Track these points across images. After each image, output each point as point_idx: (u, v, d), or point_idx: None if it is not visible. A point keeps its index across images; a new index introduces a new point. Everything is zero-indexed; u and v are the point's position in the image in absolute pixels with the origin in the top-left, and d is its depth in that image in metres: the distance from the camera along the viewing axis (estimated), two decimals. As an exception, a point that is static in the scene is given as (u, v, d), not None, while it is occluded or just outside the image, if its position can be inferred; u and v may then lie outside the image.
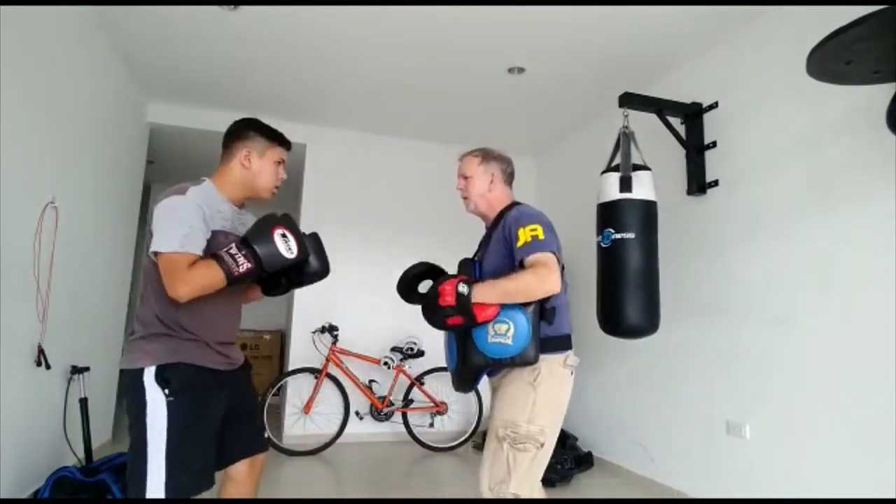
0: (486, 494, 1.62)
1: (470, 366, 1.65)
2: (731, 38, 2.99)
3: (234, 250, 1.42)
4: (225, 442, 1.60)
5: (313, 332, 4.19)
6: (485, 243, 1.83)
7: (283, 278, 1.69)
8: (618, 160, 2.71)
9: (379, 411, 4.20)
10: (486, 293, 1.55)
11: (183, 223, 1.43)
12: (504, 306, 1.55)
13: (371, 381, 4.30)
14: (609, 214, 2.63)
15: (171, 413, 1.42)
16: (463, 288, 1.54)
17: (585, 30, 3.03)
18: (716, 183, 3.03)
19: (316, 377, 4.07)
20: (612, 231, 2.58)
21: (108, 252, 3.64)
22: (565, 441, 3.69)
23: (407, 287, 1.87)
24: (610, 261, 2.61)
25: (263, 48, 3.36)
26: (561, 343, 1.68)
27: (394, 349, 4.29)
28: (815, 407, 2.41)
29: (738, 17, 2.84)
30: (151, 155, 4.55)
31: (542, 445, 1.59)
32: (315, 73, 3.68)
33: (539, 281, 1.53)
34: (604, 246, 2.62)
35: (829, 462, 2.33)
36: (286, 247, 1.47)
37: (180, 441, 1.42)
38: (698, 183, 3.09)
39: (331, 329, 4.17)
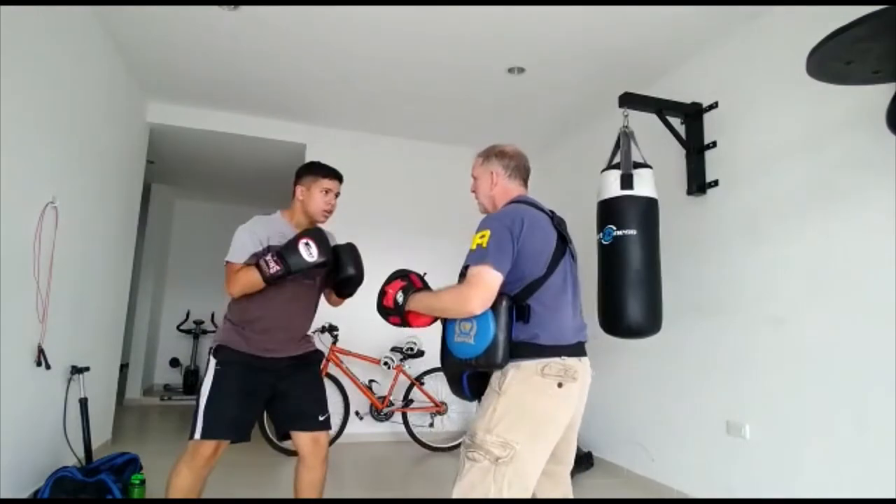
0: None
1: (445, 366, 1.61)
2: (731, 38, 2.99)
3: (268, 257, 1.88)
4: (277, 417, 2.12)
5: (313, 332, 4.17)
6: None
7: (335, 278, 2.12)
8: (618, 159, 2.71)
9: (379, 411, 4.21)
10: (417, 304, 1.61)
11: (234, 242, 1.98)
12: None
13: (371, 381, 4.30)
14: (610, 211, 2.62)
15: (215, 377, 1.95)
16: (400, 296, 1.64)
17: (585, 30, 3.03)
18: (716, 183, 3.03)
19: (316, 377, 4.07)
20: (614, 228, 2.57)
21: (108, 252, 3.64)
22: (565, 441, 3.69)
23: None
24: (611, 258, 2.60)
25: (263, 48, 3.36)
26: (538, 349, 1.48)
27: (394, 349, 4.29)
28: (814, 407, 2.41)
29: (738, 17, 2.84)
30: (151, 155, 4.55)
31: (498, 460, 1.39)
32: (315, 73, 3.68)
33: (460, 301, 1.46)
34: (605, 243, 2.61)
35: (829, 462, 2.33)
36: (308, 252, 1.89)
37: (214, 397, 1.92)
38: (698, 183, 3.09)
39: (331, 329, 4.17)
